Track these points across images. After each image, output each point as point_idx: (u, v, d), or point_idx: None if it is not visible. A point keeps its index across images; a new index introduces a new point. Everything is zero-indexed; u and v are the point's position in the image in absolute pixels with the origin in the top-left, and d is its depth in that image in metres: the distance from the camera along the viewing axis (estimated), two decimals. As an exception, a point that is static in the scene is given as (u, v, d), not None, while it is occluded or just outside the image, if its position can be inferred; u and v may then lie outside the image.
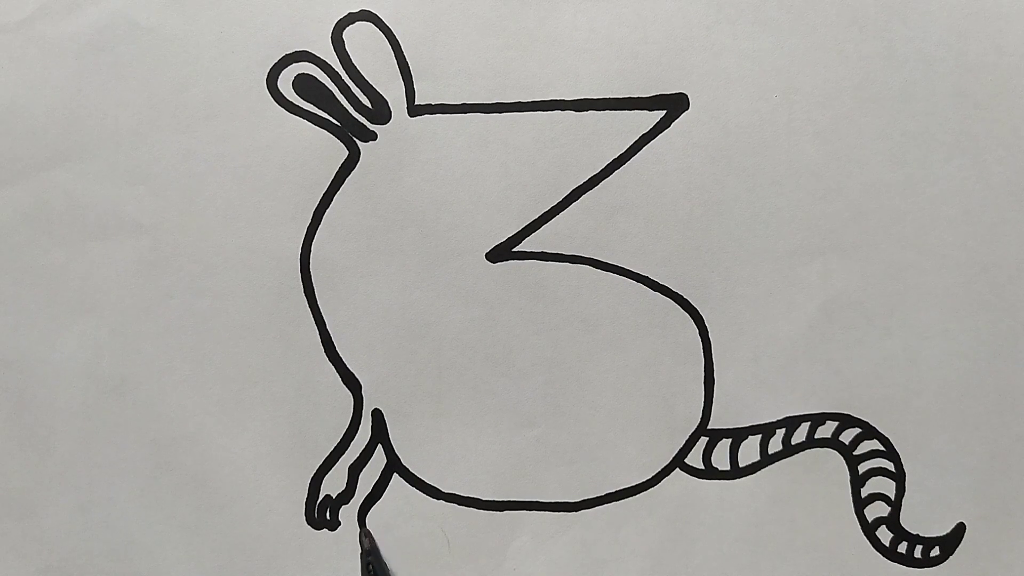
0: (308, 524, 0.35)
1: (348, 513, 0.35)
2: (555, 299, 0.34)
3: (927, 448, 0.34)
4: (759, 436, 0.34)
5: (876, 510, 0.34)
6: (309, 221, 0.34)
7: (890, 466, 0.34)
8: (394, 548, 0.35)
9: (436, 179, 0.34)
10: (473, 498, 0.35)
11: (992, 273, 0.33)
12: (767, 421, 0.34)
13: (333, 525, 0.35)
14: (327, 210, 0.34)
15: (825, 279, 0.34)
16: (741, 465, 0.35)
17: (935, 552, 0.34)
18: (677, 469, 0.35)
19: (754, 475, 0.35)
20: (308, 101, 0.34)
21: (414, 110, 0.34)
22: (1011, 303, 0.33)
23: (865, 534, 0.34)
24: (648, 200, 0.34)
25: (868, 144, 0.33)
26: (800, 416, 0.34)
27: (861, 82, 0.33)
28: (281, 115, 0.34)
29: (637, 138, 0.34)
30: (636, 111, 0.33)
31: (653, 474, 0.35)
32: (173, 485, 0.35)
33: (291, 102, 0.34)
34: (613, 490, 0.35)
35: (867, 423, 0.34)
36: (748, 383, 0.34)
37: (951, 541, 0.34)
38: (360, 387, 0.35)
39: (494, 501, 0.35)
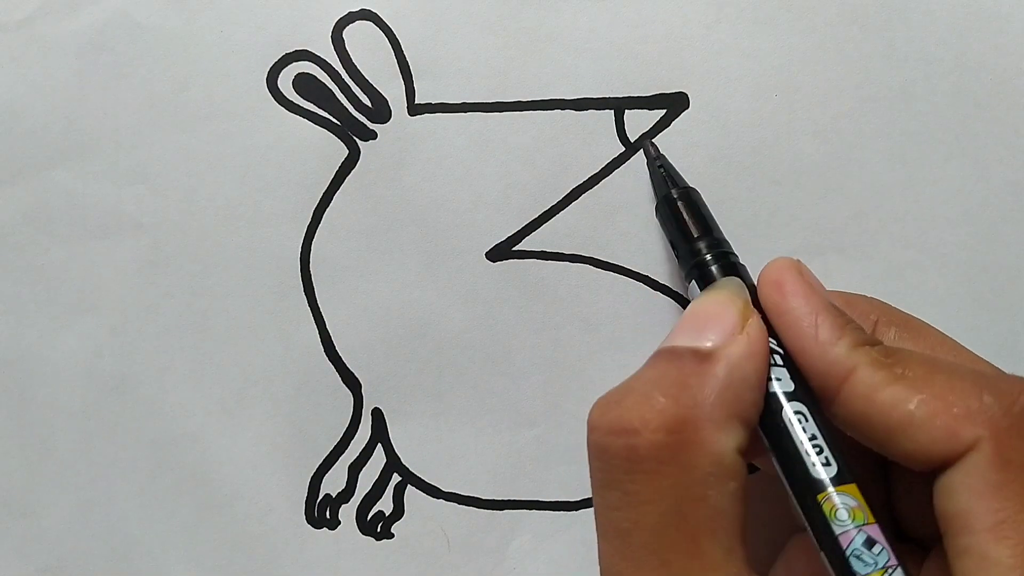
0: (308, 523, 0.35)
1: (347, 512, 0.35)
2: (555, 298, 0.34)
3: (927, 447, 0.34)
4: (759, 435, 0.34)
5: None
6: (309, 220, 0.34)
7: (890, 465, 0.34)
8: (394, 547, 0.35)
9: (436, 178, 0.34)
10: (473, 497, 0.35)
11: (992, 273, 0.33)
12: (767, 420, 0.34)
13: (333, 524, 0.35)
14: (327, 209, 0.34)
15: (825, 279, 0.33)
16: (741, 464, 0.35)
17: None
18: (677, 468, 0.35)
19: (753, 474, 0.35)
20: (308, 100, 0.34)
21: (414, 109, 0.34)
22: (1011, 303, 0.33)
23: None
24: (648, 199, 0.34)
25: (868, 144, 0.33)
26: (800, 415, 0.34)
27: (861, 81, 0.33)
28: (281, 114, 0.34)
29: (637, 137, 0.34)
30: (636, 110, 0.33)
31: (653, 473, 0.35)
32: (173, 484, 0.35)
33: (291, 101, 0.34)
34: (613, 489, 0.35)
35: (867, 422, 0.34)
36: (748, 382, 0.34)
37: (951, 540, 0.34)
38: (360, 386, 0.35)
39: (494, 500, 0.35)
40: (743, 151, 0.33)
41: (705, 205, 0.31)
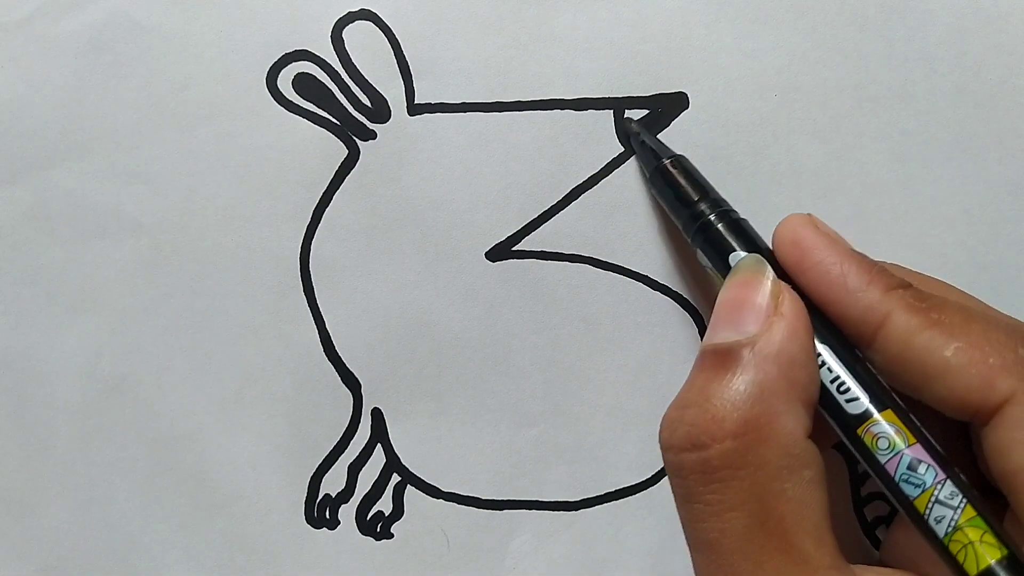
0: (308, 523, 0.35)
1: (347, 512, 0.35)
2: (555, 298, 0.34)
3: (927, 447, 0.34)
4: (759, 435, 0.34)
5: (875, 509, 0.34)
6: (308, 220, 0.34)
7: (890, 465, 0.34)
8: (393, 547, 0.35)
9: (436, 178, 0.34)
10: (473, 497, 0.35)
11: (992, 273, 0.33)
12: (767, 420, 0.34)
13: (333, 524, 0.35)
14: (327, 209, 0.34)
15: (825, 279, 0.33)
16: (741, 464, 0.34)
17: (934, 551, 0.34)
18: (677, 468, 0.35)
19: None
20: (308, 100, 0.34)
21: (414, 109, 0.34)
22: (1011, 303, 0.33)
23: (864, 533, 0.34)
24: (648, 199, 0.34)
25: (868, 143, 0.33)
26: (800, 415, 0.34)
27: (861, 81, 0.33)
28: (281, 114, 0.34)
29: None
30: (636, 110, 0.33)
31: (652, 473, 0.35)
32: (173, 484, 0.35)
33: (291, 101, 0.34)
34: (613, 489, 0.35)
35: (867, 422, 0.34)
36: (748, 382, 0.34)
37: (950, 540, 0.34)
38: (360, 386, 0.35)
39: (494, 500, 0.35)
40: (743, 151, 0.33)
41: (697, 170, 0.31)
